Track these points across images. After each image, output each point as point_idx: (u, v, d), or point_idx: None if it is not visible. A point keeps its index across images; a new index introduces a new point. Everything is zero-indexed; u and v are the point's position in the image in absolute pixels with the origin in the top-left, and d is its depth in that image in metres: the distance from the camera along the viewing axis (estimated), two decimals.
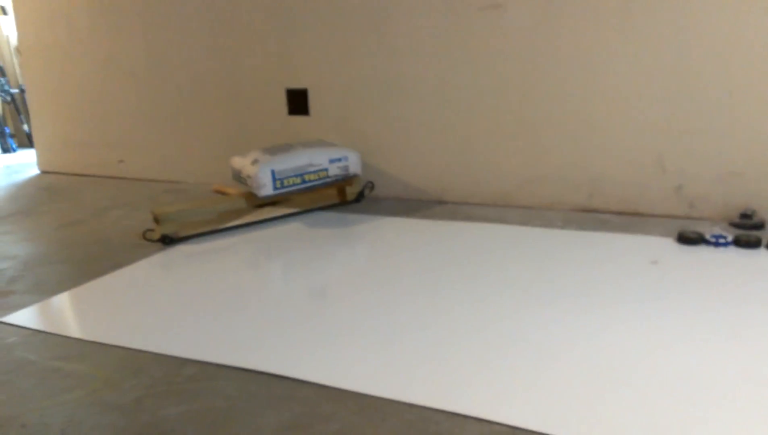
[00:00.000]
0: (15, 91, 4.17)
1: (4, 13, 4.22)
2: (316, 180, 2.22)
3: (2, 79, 4.11)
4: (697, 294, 1.45)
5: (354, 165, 2.30)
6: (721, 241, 1.73)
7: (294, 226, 2.13)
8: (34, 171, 3.37)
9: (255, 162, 2.17)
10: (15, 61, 4.18)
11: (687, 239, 1.77)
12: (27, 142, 4.15)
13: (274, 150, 2.23)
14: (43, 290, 1.67)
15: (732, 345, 1.21)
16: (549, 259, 1.72)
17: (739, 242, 1.74)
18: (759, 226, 1.88)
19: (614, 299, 1.44)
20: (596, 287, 1.51)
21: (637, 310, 1.38)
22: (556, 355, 1.21)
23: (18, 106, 4.20)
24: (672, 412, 1.01)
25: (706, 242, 1.76)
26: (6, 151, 4.05)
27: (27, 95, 3.34)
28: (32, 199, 2.74)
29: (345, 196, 2.38)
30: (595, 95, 2.08)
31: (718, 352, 1.19)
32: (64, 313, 1.53)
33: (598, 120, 2.09)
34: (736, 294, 1.44)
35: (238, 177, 2.27)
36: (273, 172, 2.13)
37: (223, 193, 2.59)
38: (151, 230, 2.05)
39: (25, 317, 1.50)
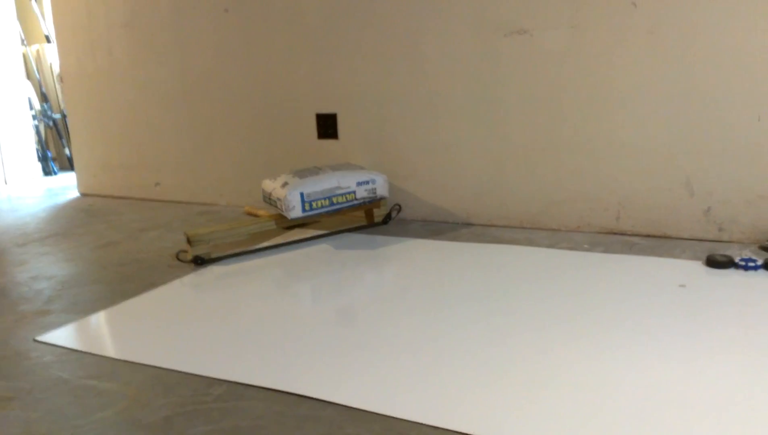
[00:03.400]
0: (57, 116, 4.31)
1: (48, 41, 4.38)
2: (344, 202, 2.26)
3: (45, 104, 4.26)
4: (727, 318, 1.43)
5: (381, 188, 2.33)
6: (751, 264, 1.71)
7: (322, 248, 2.17)
8: (74, 193, 3.48)
9: (285, 185, 2.21)
10: (57, 87, 4.33)
11: (716, 262, 1.76)
12: (68, 165, 4.29)
13: (303, 173, 2.28)
14: (79, 310, 1.73)
15: (764, 371, 1.20)
16: (576, 281, 1.72)
17: None
18: None
19: (642, 322, 1.43)
20: (624, 310, 1.51)
21: (665, 334, 1.37)
22: (582, 379, 1.21)
23: (60, 131, 4.34)
24: None
25: (736, 266, 1.74)
26: (48, 174, 4.18)
27: (68, 120, 3.46)
28: (71, 220, 2.82)
29: (372, 218, 2.41)
30: (623, 118, 2.08)
31: (748, 378, 1.18)
32: (99, 333, 1.58)
33: (626, 142, 2.09)
34: (766, 318, 1.42)
35: (269, 199, 2.31)
36: (302, 195, 2.17)
37: (254, 215, 2.65)
38: (185, 251, 2.11)
39: (61, 336, 1.55)
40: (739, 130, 1.93)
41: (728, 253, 1.83)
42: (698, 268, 1.77)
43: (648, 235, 2.11)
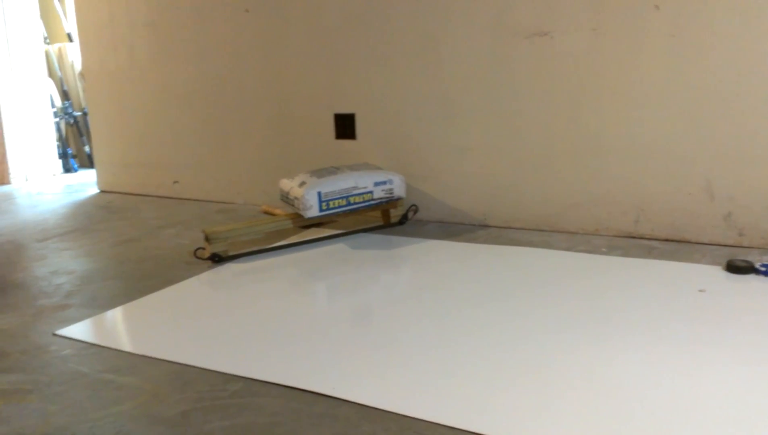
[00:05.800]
0: (78, 113, 4.35)
1: (70, 40, 4.43)
2: (361, 202, 2.26)
3: (66, 102, 4.31)
4: (746, 324, 1.42)
5: (398, 188, 2.33)
6: None
7: (338, 247, 2.17)
8: (94, 190, 3.51)
9: (302, 184, 2.22)
10: (79, 85, 4.37)
11: (736, 268, 1.74)
12: (88, 162, 4.33)
13: (321, 172, 2.28)
14: (97, 305, 1.74)
15: None
16: (593, 285, 1.70)
17: None
18: None
19: (660, 327, 1.42)
20: (642, 315, 1.49)
21: (684, 339, 1.36)
22: (599, 383, 1.20)
23: (80, 128, 4.38)
24: None
25: (756, 271, 1.72)
26: (68, 170, 4.22)
27: (89, 118, 3.49)
28: (91, 217, 2.85)
29: (389, 219, 2.41)
30: (643, 121, 2.06)
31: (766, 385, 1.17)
32: (117, 328, 1.59)
33: (645, 146, 2.07)
34: None
35: (286, 198, 2.32)
36: (319, 194, 2.17)
37: (271, 214, 2.65)
38: (202, 249, 2.12)
39: (79, 330, 1.56)
40: (760, 135, 1.91)
41: (748, 258, 1.81)
42: (718, 273, 1.75)
43: (667, 240, 2.09)
